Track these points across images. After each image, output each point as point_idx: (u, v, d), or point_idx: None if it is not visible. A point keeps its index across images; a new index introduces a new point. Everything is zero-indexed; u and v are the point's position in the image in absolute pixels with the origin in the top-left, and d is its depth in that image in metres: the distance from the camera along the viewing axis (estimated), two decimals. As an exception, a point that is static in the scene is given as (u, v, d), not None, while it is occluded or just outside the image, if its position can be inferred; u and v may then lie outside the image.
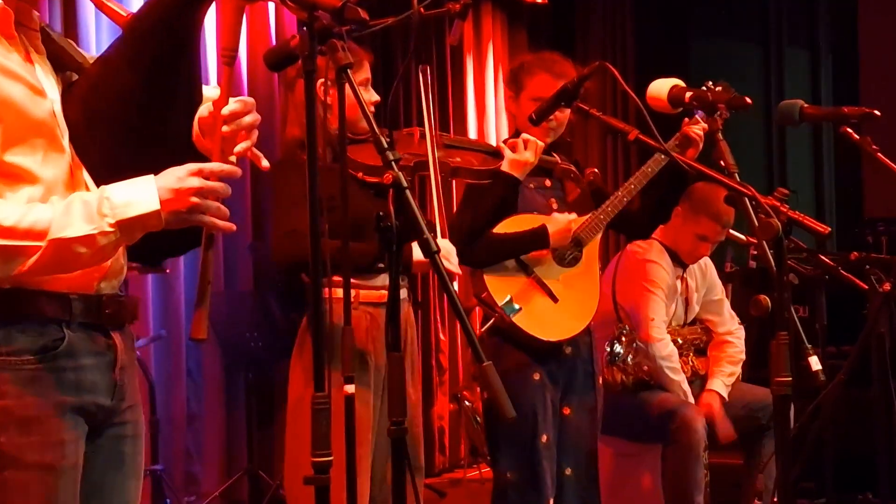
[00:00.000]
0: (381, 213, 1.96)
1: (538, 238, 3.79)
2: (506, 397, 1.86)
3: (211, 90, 2.17)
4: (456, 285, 4.51)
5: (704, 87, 3.72)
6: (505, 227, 3.78)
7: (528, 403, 3.80)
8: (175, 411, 5.55)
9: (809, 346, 2.47)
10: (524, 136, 3.68)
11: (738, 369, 4.86)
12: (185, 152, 2.07)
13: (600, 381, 4.05)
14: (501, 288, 3.78)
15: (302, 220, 3.20)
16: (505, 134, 7.30)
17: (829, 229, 2.53)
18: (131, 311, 2.15)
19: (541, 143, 3.66)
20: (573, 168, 3.69)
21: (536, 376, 3.83)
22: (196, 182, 1.95)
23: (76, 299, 2.03)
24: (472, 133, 7.23)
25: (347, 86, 2.00)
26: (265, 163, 2.06)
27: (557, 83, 3.82)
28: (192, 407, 5.66)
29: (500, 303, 3.74)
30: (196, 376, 5.69)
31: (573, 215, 3.82)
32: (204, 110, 2.10)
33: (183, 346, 5.55)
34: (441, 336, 6.94)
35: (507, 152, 3.65)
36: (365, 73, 3.42)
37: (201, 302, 1.99)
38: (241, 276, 5.82)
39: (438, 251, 1.89)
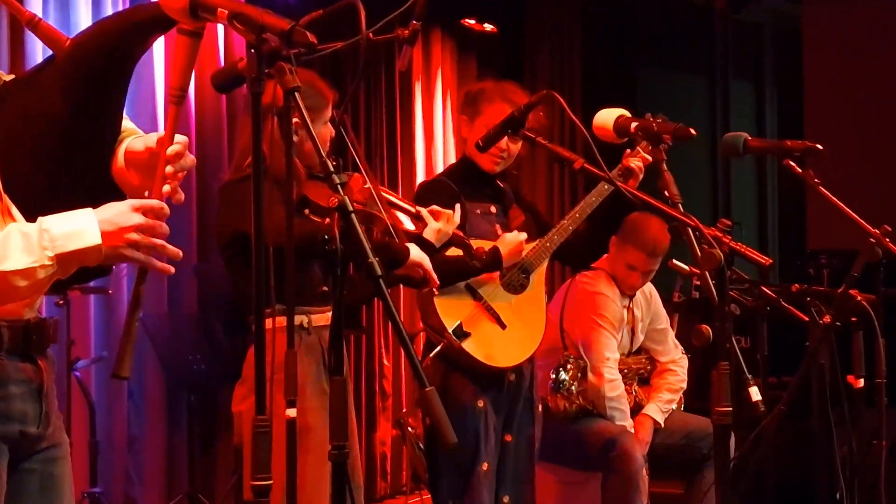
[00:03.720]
0: (326, 237, 1.95)
1: (492, 260, 3.80)
2: (447, 423, 1.86)
3: (130, 122, 2.16)
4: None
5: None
6: (455, 252, 3.76)
7: (471, 431, 3.80)
8: (115, 433, 5.49)
9: (750, 376, 2.49)
10: (434, 208, 3.57)
11: (676, 397, 4.90)
12: (106, 184, 2.06)
13: (539, 409, 4.05)
14: (451, 313, 3.77)
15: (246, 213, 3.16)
16: (452, 160, 7.33)
17: (771, 261, 2.56)
18: (52, 334, 2.13)
19: (451, 214, 3.57)
20: (467, 241, 3.61)
21: (480, 403, 3.82)
22: (138, 219, 1.93)
23: (5, 327, 2.01)
24: (420, 158, 7.24)
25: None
26: (180, 196, 2.04)
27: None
28: (132, 429, 5.60)
29: (450, 328, 3.74)
30: (137, 398, 5.63)
31: (524, 235, 3.83)
32: (139, 144, 2.09)
33: (125, 367, 5.47)
34: (385, 361, 6.92)
35: (431, 221, 3.52)
36: (327, 110, 3.38)
37: (127, 340, 1.97)
38: (186, 299, 5.77)
39: (382, 276, 1.88)
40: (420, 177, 7.14)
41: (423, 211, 3.53)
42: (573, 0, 7.80)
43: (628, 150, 3.87)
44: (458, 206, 3.67)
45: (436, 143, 7.36)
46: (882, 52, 7.37)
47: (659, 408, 4.81)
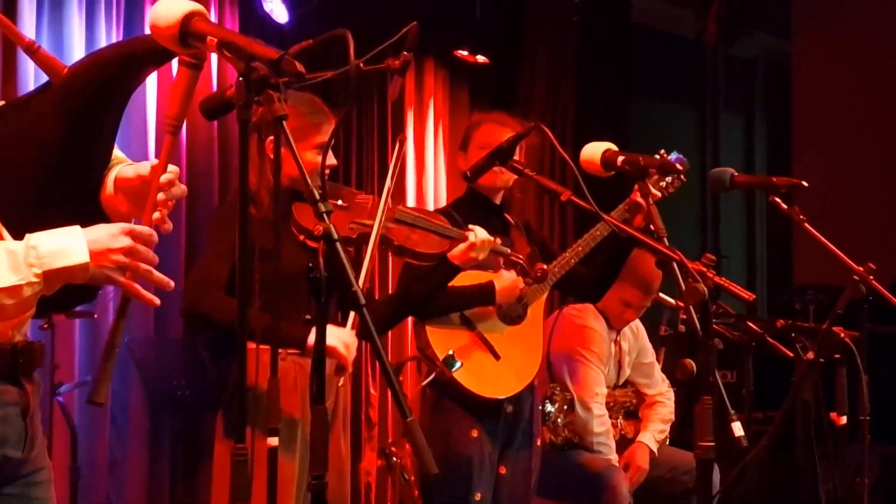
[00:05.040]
0: (310, 265, 1.95)
1: (484, 294, 3.78)
2: (429, 454, 1.85)
3: (120, 152, 2.17)
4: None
5: (658, 156, 3.77)
6: (471, 278, 3.75)
7: (464, 460, 3.78)
8: (97, 458, 5.46)
9: (733, 411, 2.49)
10: (481, 236, 3.55)
11: (667, 428, 4.91)
12: (94, 210, 2.08)
13: (538, 442, 4.04)
14: (444, 342, 3.77)
15: (216, 270, 3.20)
16: (443, 190, 7.34)
17: (755, 296, 2.56)
18: (39, 357, 2.12)
19: (496, 241, 3.57)
20: (522, 261, 3.64)
21: (474, 433, 3.81)
22: (128, 242, 1.94)
23: None
24: (411, 188, 7.24)
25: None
26: (168, 225, 2.05)
27: (504, 130, 3.86)
28: (114, 453, 5.57)
29: (441, 357, 3.73)
30: (120, 422, 5.60)
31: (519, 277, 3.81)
32: (130, 171, 2.10)
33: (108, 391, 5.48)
34: (371, 390, 6.90)
35: (462, 243, 3.51)
36: (326, 135, 3.34)
37: (105, 366, 1.97)
38: (172, 323, 5.76)
39: (365, 305, 1.88)
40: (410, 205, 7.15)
41: (455, 232, 3.52)
42: (567, 32, 7.82)
43: (637, 185, 3.83)
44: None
45: (427, 172, 7.37)
46: (871, 88, 7.40)
47: (654, 436, 4.82)
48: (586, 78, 7.85)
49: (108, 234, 1.93)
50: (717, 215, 9.04)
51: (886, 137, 7.28)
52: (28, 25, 5.05)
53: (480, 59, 7.27)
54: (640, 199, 3.82)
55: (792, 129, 8.00)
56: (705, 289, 2.40)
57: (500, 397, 3.84)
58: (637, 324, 4.97)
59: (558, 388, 4.65)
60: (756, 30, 8.88)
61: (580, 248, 3.91)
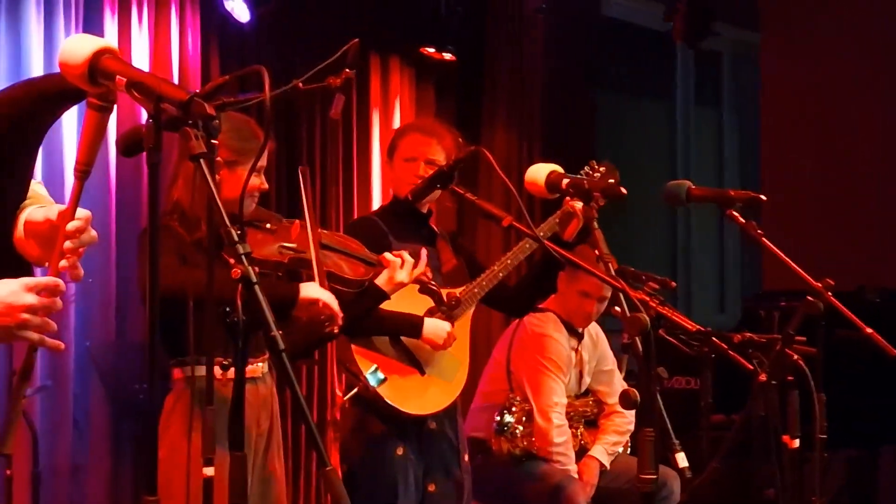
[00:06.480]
0: (227, 309, 1.89)
1: (412, 327, 3.72)
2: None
3: (38, 185, 2.11)
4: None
5: (588, 168, 3.71)
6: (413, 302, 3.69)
7: (390, 478, 3.71)
8: (59, 462, 5.42)
9: (677, 441, 2.45)
10: (405, 256, 3.50)
11: (623, 439, 4.86)
12: (5, 247, 2.03)
13: (466, 459, 3.96)
14: (368, 357, 3.70)
15: (167, 262, 3.06)
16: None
17: (697, 327, 2.51)
18: None
19: (419, 266, 3.52)
20: (437, 290, 3.54)
21: (399, 451, 3.74)
22: (30, 298, 1.89)
23: None
24: (377, 189, 7.17)
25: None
26: (79, 272, 2.00)
27: (428, 141, 3.82)
28: (76, 458, 5.53)
29: (366, 372, 3.66)
30: (83, 427, 5.56)
31: (448, 326, 3.75)
32: (39, 215, 2.04)
33: (70, 395, 5.44)
34: (338, 391, 6.83)
35: (386, 270, 3.47)
36: (261, 159, 3.18)
37: (11, 414, 1.92)
38: (133, 328, 5.70)
39: (285, 350, 1.82)
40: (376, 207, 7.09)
41: (388, 256, 3.46)
42: (534, 27, 7.74)
43: (583, 209, 3.75)
44: (423, 251, 3.59)
45: (394, 172, 7.30)
46: (838, 79, 7.34)
47: (605, 450, 4.77)
48: (554, 72, 7.78)
49: (11, 293, 1.89)
50: (688, 216, 8.97)
51: (853, 130, 7.23)
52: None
53: (447, 56, 7.19)
54: (572, 207, 3.71)
55: (760, 124, 7.93)
56: (647, 319, 2.34)
57: (425, 413, 3.77)
58: (597, 331, 4.91)
59: (518, 398, 4.60)
60: (724, 22, 8.82)
61: (508, 262, 3.83)
